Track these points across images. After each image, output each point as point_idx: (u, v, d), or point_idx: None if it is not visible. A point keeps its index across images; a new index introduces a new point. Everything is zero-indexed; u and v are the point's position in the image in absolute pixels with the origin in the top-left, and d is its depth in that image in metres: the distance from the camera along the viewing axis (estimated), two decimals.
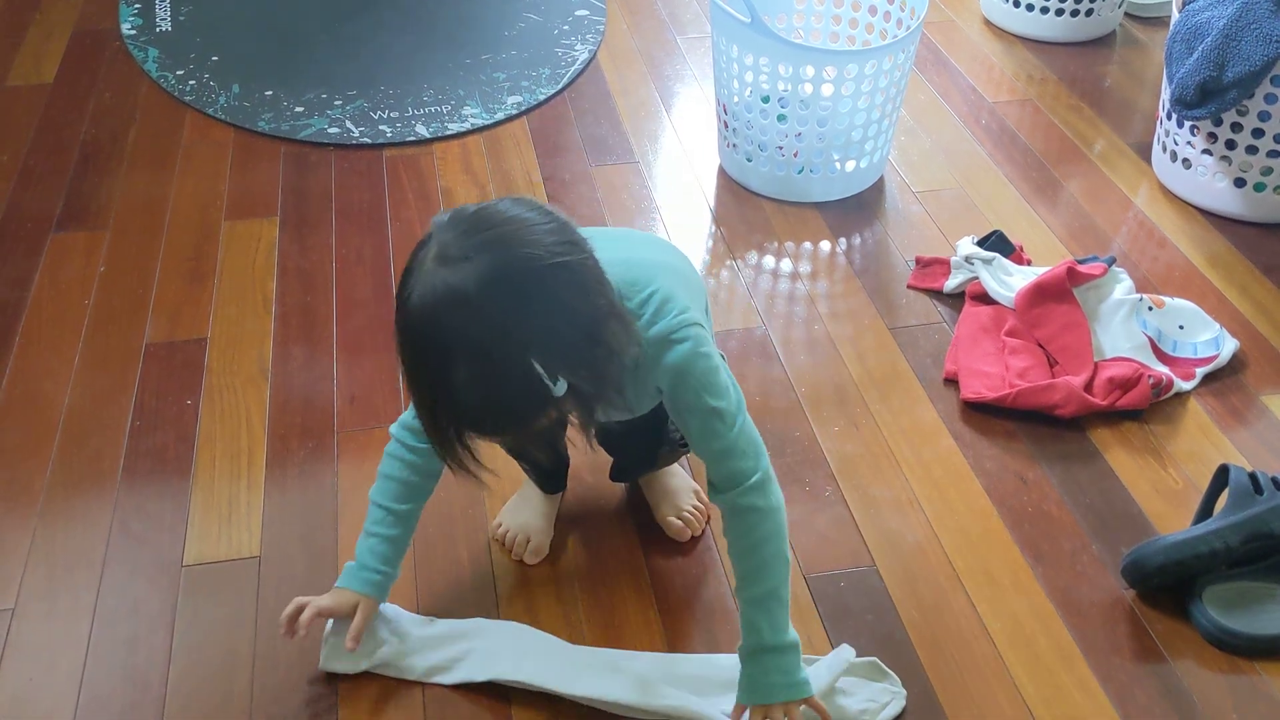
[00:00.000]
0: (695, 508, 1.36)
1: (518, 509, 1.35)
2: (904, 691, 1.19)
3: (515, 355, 0.93)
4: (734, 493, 1.09)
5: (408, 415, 1.19)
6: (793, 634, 1.10)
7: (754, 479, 1.09)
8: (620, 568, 1.33)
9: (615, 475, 1.39)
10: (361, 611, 1.17)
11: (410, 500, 1.20)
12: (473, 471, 1.02)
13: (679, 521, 1.34)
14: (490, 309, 0.92)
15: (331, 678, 1.20)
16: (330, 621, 1.21)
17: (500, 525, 1.35)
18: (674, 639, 1.25)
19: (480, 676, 1.19)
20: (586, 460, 1.39)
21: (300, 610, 1.17)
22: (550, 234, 0.95)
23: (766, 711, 1.10)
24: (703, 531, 1.36)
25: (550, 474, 1.35)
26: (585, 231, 1.00)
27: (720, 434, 1.08)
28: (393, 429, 1.21)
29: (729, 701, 1.15)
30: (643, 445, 1.30)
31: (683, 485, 1.38)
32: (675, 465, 1.39)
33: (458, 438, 1.00)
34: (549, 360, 0.93)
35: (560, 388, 0.94)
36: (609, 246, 1.01)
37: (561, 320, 0.94)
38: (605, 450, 1.31)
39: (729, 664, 1.19)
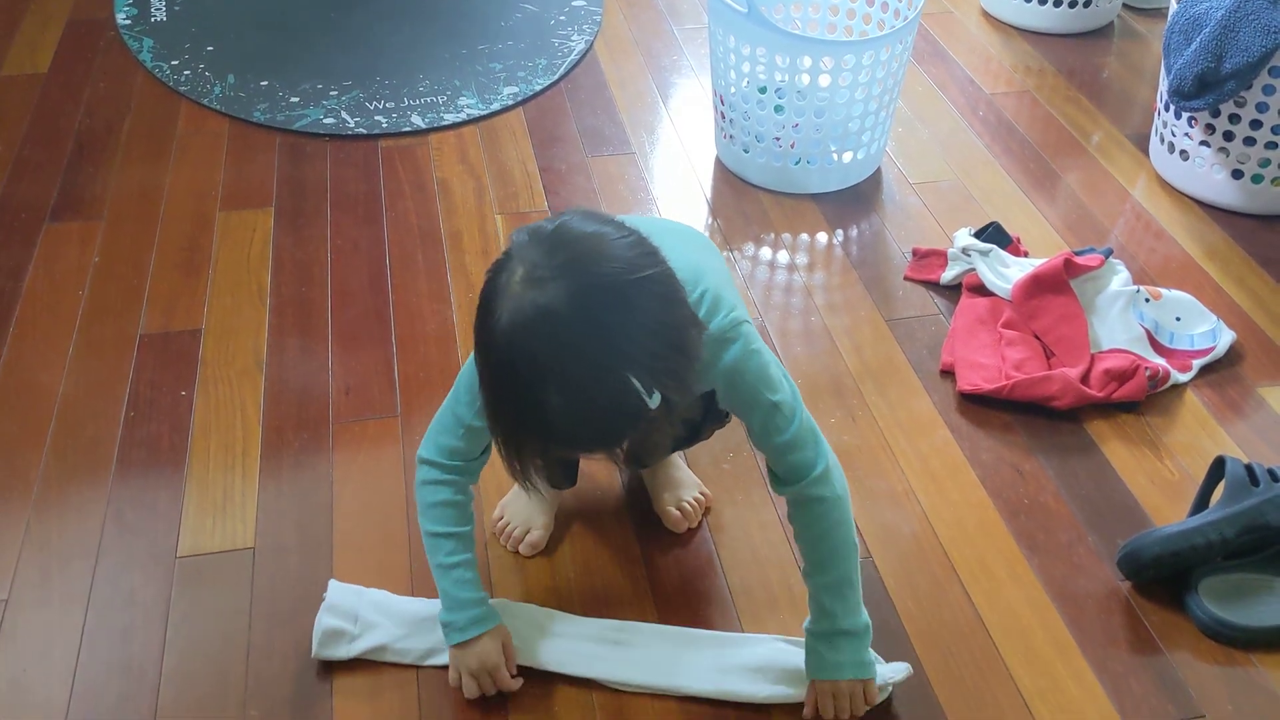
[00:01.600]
0: (695, 499, 1.36)
1: (519, 501, 1.34)
2: (906, 665, 1.19)
3: (612, 372, 0.91)
4: (799, 485, 1.10)
5: (436, 439, 1.16)
6: (865, 617, 1.13)
7: (818, 470, 1.10)
8: (617, 559, 1.32)
9: (629, 461, 1.39)
10: (508, 644, 1.17)
11: (469, 521, 1.18)
12: (540, 489, 1.05)
13: (678, 512, 1.34)
14: (584, 328, 0.90)
15: (327, 667, 1.19)
16: (322, 609, 1.21)
17: (501, 517, 1.34)
18: None
19: None
20: None
21: (486, 685, 1.16)
22: (630, 247, 0.94)
23: (834, 688, 1.13)
24: (699, 524, 1.36)
25: (564, 471, 1.34)
26: (632, 222, 0.99)
27: (781, 428, 1.09)
28: (425, 455, 1.17)
29: (742, 682, 1.17)
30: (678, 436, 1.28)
31: (686, 477, 1.38)
32: (678, 457, 1.39)
33: (535, 458, 0.99)
34: (643, 374, 0.92)
35: (655, 400, 0.93)
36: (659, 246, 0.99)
37: (651, 333, 0.93)
38: None
39: (742, 643, 1.21)
